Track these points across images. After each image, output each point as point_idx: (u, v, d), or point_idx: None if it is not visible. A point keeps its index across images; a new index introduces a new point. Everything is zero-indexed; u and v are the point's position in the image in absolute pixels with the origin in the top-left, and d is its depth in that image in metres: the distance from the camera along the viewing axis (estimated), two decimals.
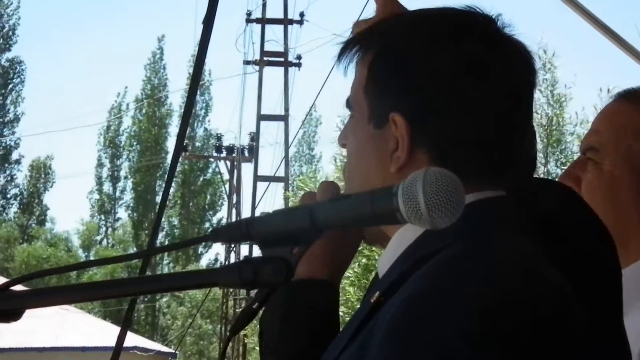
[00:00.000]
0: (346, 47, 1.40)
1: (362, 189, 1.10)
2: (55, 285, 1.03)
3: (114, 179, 53.29)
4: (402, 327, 1.08)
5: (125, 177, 53.18)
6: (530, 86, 1.35)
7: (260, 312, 1.21)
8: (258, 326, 1.50)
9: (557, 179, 2.09)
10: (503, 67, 1.30)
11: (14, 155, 51.97)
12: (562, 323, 1.11)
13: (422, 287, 1.12)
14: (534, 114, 1.42)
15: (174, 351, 32.52)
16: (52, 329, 26.75)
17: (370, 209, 1.00)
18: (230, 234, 1.05)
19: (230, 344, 25.92)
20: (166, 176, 5.08)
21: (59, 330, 27.25)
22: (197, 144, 49.17)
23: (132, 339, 28.99)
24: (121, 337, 4.66)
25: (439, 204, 0.98)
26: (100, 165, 53.00)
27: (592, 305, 1.21)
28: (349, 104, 1.40)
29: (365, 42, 1.38)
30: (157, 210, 4.89)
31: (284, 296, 1.43)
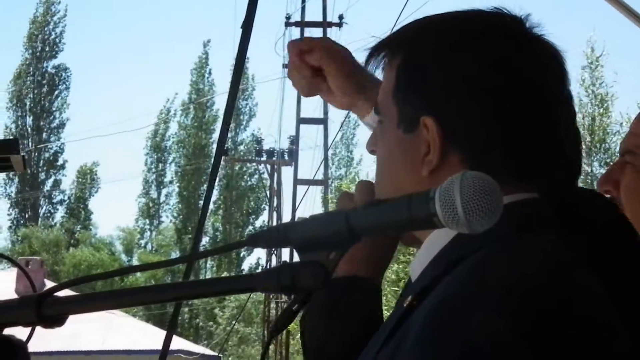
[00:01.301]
0: (373, 53, 1.39)
1: (394, 194, 1.09)
2: (99, 292, 1.04)
3: (160, 183, 53.64)
4: (430, 332, 1.09)
5: (171, 182, 53.63)
6: (564, 85, 1.33)
7: (300, 312, 1.21)
8: (299, 327, 1.50)
9: (597, 181, 2.08)
10: (533, 67, 1.29)
11: (60, 161, 52.59)
12: (589, 327, 1.10)
13: (449, 293, 1.12)
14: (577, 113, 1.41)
15: (217, 354, 32.63)
16: (98, 332, 26.95)
17: (407, 214, 1.00)
18: (268, 239, 1.05)
19: (273, 347, 25.97)
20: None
21: (105, 334, 27.46)
22: (241, 148, 49.39)
23: (177, 343, 29.15)
24: (167, 341, 4.71)
25: (477, 208, 0.97)
26: (147, 169, 53.42)
27: (627, 310, 1.19)
28: (377, 109, 1.39)
29: (392, 46, 1.37)
30: (200, 215, 4.92)
31: (327, 295, 1.43)
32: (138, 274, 42.10)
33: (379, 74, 1.41)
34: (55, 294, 1.04)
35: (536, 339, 1.06)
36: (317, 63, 1.69)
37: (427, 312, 1.11)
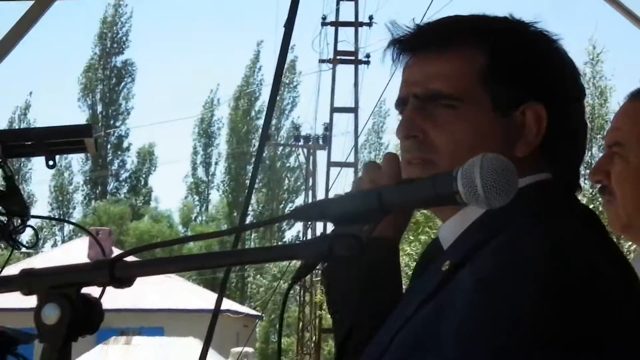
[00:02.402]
0: (446, 35, 1.33)
1: None
2: (161, 257, 1.05)
3: (207, 164, 54.24)
4: (477, 303, 1.12)
5: (216, 163, 54.16)
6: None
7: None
8: (322, 280, 1.50)
9: (589, 173, 2.10)
10: (575, 71, 1.35)
11: (125, 144, 53.41)
12: (611, 306, 1.13)
13: (490, 265, 1.15)
14: None
15: (260, 314, 32.82)
16: (159, 293, 27.23)
17: (434, 192, 0.99)
18: (309, 213, 1.05)
19: (309, 308, 26.03)
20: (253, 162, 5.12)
21: (165, 295, 27.73)
22: (282, 134, 49.67)
23: (225, 303, 29.34)
24: (219, 302, 4.74)
25: (494, 186, 0.97)
26: (195, 152, 54.01)
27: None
28: (443, 95, 1.30)
29: (474, 33, 1.32)
30: (246, 192, 4.95)
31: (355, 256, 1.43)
32: (191, 244, 42.40)
33: (437, 58, 1.33)
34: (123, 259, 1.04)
35: (564, 319, 1.09)
36: None
37: (473, 284, 1.14)
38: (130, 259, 1.05)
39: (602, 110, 20.53)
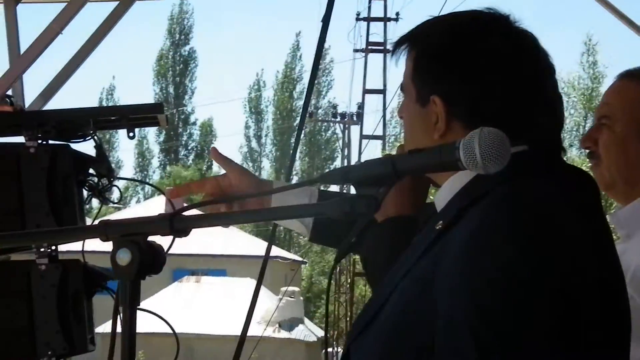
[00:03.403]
0: (398, 45, 1.37)
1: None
2: (214, 213, 1.05)
3: (258, 137, 54.83)
4: (472, 253, 1.10)
5: (266, 135, 54.79)
6: (541, 63, 1.30)
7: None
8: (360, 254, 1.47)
9: (580, 140, 2.07)
10: (515, 51, 1.26)
11: (191, 119, 54.24)
12: (586, 259, 1.11)
13: (476, 225, 1.12)
14: (577, 87, 1.38)
15: (304, 260, 32.98)
16: (223, 241, 27.53)
17: (439, 159, 0.99)
18: (333, 177, 1.05)
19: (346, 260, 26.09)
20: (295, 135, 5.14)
21: (227, 243, 28.03)
22: (321, 111, 49.76)
23: (275, 251, 29.56)
24: (268, 249, 4.78)
25: (491, 154, 0.98)
26: (247, 126, 54.67)
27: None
28: (402, 88, 1.37)
29: (410, 41, 1.35)
30: (289, 161, 5.00)
31: (384, 231, 1.42)
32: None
33: (402, 61, 1.37)
34: (183, 213, 1.05)
35: (542, 268, 1.06)
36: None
37: (460, 242, 1.12)
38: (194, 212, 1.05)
39: (598, 92, 20.71)
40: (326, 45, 51.15)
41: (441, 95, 1.26)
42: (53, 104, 2.93)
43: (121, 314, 1.00)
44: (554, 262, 1.06)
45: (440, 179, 1.32)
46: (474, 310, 1.05)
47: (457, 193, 1.24)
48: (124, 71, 75.20)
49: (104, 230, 1.04)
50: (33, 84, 2.92)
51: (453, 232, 1.16)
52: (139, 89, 66.96)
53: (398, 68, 1.39)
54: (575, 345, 1.05)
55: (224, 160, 1.70)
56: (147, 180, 52.82)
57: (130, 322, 1.00)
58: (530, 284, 1.05)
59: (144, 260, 1.01)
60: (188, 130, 54.72)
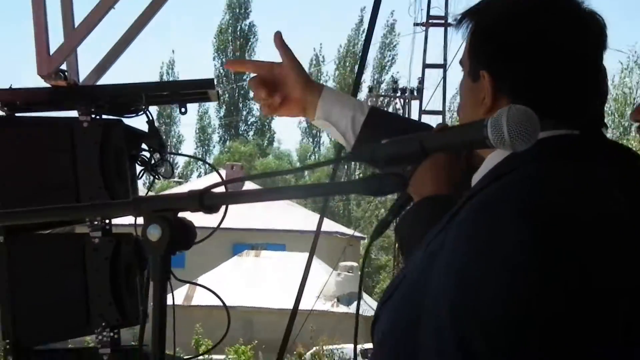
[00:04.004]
0: (459, 20, 1.36)
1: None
2: (244, 190, 1.05)
3: None
4: (465, 227, 1.08)
5: None
6: (593, 43, 1.26)
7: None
8: (395, 233, 1.46)
9: (631, 112, 1.99)
10: (570, 33, 1.23)
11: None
12: (612, 247, 1.04)
13: (484, 199, 1.11)
14: None
15: (363, 235, 33.04)
16: (282, 217, 27.79)
17: (467, 136, 0.98)
18: (363, 156, 1.04)
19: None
20: None
21: (287, 218, 28.27)
22: (384, 86, 49.53)
23: (334, 226, 29.70)
24: (319, 224, 4.81)
25: (518, 132, 0.96)
26: None
27: None
28: (461, 63, 1.36)
29: (469, 16, 1.34)
30: None
31: (419, 211, 1.42)
32: (307, 177, 42.92)
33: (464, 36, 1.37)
34: (212, 190, 1.05)
35: (555, 250, 1.01)
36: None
37: (467, 212, 1.10)
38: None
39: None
40: (391, 20, 50.85)
41: (489, 71, 1.25)
42: (110, 79, 2.98)
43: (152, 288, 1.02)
44: (553, 252, 1.01)
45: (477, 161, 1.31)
46: (456, 288, 1.03)
47: (489, 170, 1.23)
48: (184, 46, 76.10)
49: (136, 206, 1.05)
50: (87, 58, 2.97)
51: (465, 207, 1.15)
52: (199, 64, 67.74)
53: (459, 43, 1.38)
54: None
55: (285, 50, 1.68)
56: (208, 155, 53.45)
57: (160, 297, 1.01)
58: (518, 265, 1.01)
59: (174, 236, 1.02)
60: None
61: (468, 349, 1.01)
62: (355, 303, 22.50)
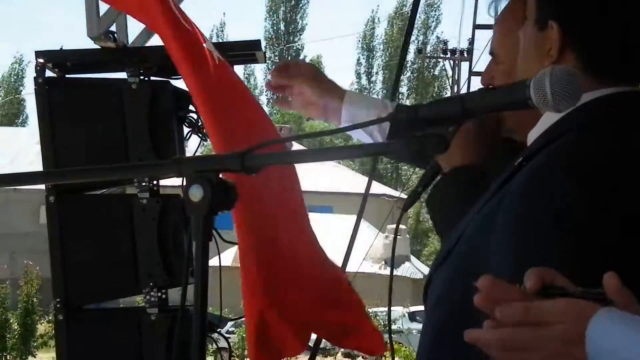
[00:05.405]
0: None
1: (526, 77, 1.03)
2: (281, 152, 1.05)
3: (369, 74, 54.58)
4: (525, 189, 1.08)
5: (377, 73, 54.35)
6: None
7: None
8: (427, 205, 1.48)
9: None
10: None
11: (301, 56, 54.27)
12: None
13: (543, 160, 1.11)
14: None
15: None
16: (329, 178, 27.82)
17: (509, 97, 0.96)
18: (402, 117, 1.02)
19: None
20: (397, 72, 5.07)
21: (333, 180, 28.31)
22: (430, 48, 48.95)
23: (383, 189, 29.66)
24: (368, 186, 4.81)
25: (561, 93, 0.94)
26: (358, 63, 54.37)
27: None
28: (514, 18, 1.35)
29: None
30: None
31: (449, 181, 1.42)
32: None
33: None
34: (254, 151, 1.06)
35: (606, 205, 1.03)
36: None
37: (524, 176, 1.11)
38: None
39: None
40: None
41: (560, 22, 1.21)
42: (159, 41, 2.99)
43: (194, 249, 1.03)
44: (608, 208, 1.04)
45: (529, 126, 1.28)
46: (520, 245, 1.05)
47: (543, 132, 1.21)
48: (234, 8, 76.05)
49: (177, 167, 1.06)
50: (137, 21, 2.98)
51: (523, 169, 1.15)
52: (250, 26, 67.71)
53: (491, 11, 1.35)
54: None
55: (291, 78, 1.75)
56: None
57: (202, 257, 1.02)
58: (579, 227, 1.03)
59: (215, 196, 1.02)
60: None
61: None
62: (402, 265, 22.55)
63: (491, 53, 1.40)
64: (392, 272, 1.15)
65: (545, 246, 1.04)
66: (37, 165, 2.73)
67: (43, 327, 18.27)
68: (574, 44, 1.20)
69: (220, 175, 1.04)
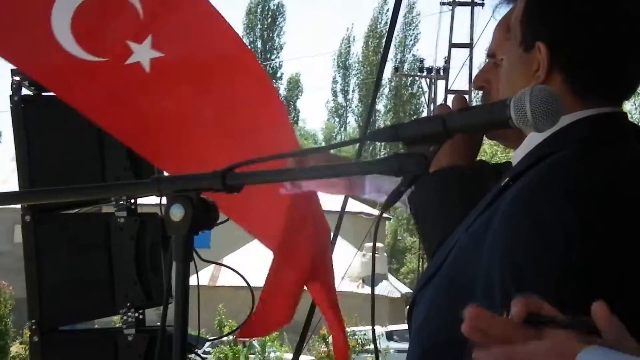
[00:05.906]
0: None
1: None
2: (265, 170, 1.05)
3: (345, 92, 54.92)
4: (514, 210, 1.09)
5: (353, 91, 54.80)
6: None
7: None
8: (409, 203, 1.47)
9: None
10: (622, 13, 1.21)
11: (279, 74, 54.63)
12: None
13: (532, 181, 1.11)
14: None
15: (389, 216, 32.99)
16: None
17: (490, 117, 0.97)
18: (384, 135, 1.03)
19: None
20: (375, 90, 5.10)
21: None
22: (407, 66, 49.30)
23: (360, 206, 29.65)
24: (344, 205, 4.82)
25: (542, 112, 0.94)
26: (334, 81, 54.70)
27: None
28: (508, 28, 1.32)
29: None
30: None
31: (434, 181, 1.41)
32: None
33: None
34: (235, 170, 1.05)
35: (600, 231, 1.04)
36: None
37: (513, 195, 1.11)
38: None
39: None
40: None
41: (547, 43, 1.22)
42: None
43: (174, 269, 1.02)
44: (593, 230, 1.04)
45: (515, 142, 1.30)
46: (508, 268, 1.05)
47: (529, 152, 1.22)
48: None
49: (157, 186, 1.06)
50: None
51: (510, 189, 1.15)
52: None
53: (486, 22, 1.36)
54: None
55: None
56: None
57: (183, 277, 1.02)
58: (563, 247, 1.03)
59: (196, 216, 1.02)
60: (276, 84, 55.30)
61: None
62: (380, 284, 22.52)
63: (491, 54, 1.40)
64: (372, 290, 1.14)
65: (534, 270, 1.04)
66: (13, 182, 2.71)
67: (15, 349, 18.00)
68: (562, 66, 1.21)
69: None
